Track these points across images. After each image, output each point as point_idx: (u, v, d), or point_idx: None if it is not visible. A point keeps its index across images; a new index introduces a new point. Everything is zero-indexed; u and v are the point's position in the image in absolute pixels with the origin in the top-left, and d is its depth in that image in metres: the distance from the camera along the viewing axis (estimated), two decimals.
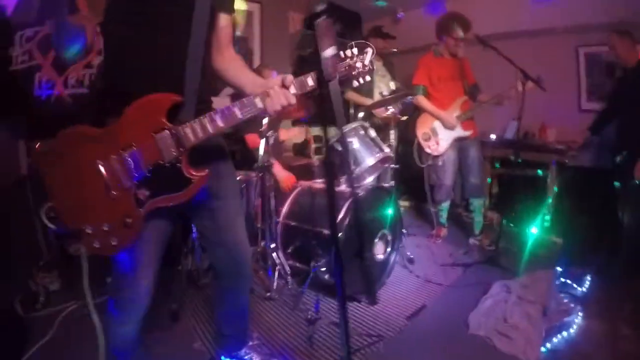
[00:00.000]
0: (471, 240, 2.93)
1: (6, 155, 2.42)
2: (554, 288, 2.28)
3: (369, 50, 1.14)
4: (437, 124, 2.81)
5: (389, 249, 2.23)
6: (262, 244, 2.21)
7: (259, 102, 1.07)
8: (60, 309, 1.97)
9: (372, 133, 2.35)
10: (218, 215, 1.24)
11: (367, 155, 2.22)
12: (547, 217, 3.12)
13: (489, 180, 3.45)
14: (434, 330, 1.90)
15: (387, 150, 2.32)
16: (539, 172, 3.20)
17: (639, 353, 1.85)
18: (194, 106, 1.07)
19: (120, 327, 1.17)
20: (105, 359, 1.09)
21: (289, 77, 1.08)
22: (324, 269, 1.96)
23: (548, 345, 1.85)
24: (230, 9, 1.23)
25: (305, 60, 3.91)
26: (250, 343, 1.57)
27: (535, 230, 3.00)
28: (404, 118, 3.19)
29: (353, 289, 2.01)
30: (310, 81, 1.08)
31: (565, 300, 2.20)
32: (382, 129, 3.05)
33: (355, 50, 1.12)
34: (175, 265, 2.16)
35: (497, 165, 3.52)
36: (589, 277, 2.44)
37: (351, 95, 3.28)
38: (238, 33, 3.68)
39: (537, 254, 2.65)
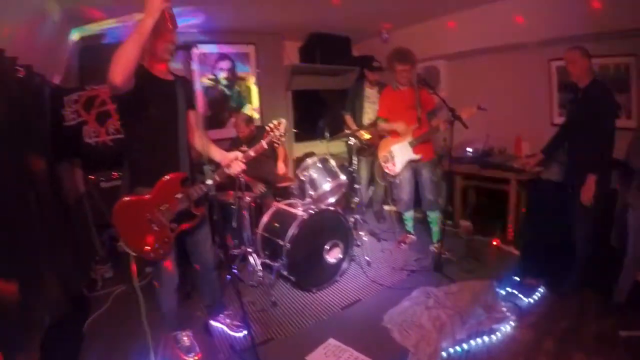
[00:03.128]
0: (431, 248, 3.91)
1: (69, 181, 3.90)
2: (484, 297, 2.93)
3: (282, 124, 2.34)
4: (394, 149, 3.76)
5: (340, 255, 3.38)
6: (243, 247, 3.49)
7: (226, 170, 2.29)
8: (112, 290, 3.37)
9: (331, 163, 3.51)
10: (200, 236, 2.47)
11: (324, 182, 3.40)
12: (509, 230, 3.88)
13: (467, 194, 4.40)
14: (357, 319, 2.86)
15: (342, 178, 3.47)
16: (502, 187, 3.95)
17: None
18: (188, 170, 2.26)
19: (166, 295, 2.39)
20: (146, 318, 2.29)
21: (240, 155, 2.31)
22: (283, 267, 3.19)
23: (465, 346, 2.46)
24: (194, 106, 2.42)
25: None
26: (226, 312, 2.82)
27: (496, 241, 3.89)
28: None
29: (307, 282, 3.21)
30: (264, 144, 2.34)
31: (504, 309, 2.81)
32: (366, 147, 4.37)
33: (275, 123, 2.34)
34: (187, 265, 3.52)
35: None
36: (541, 289, 3.04)
37: (347, 118, 4.57)
38: (239, 74, 4.99)
39: (493, 264, 3.40)
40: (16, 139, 2.40)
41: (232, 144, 4.07)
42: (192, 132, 2.41)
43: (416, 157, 3.70)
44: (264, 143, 2.35)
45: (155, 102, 2.11)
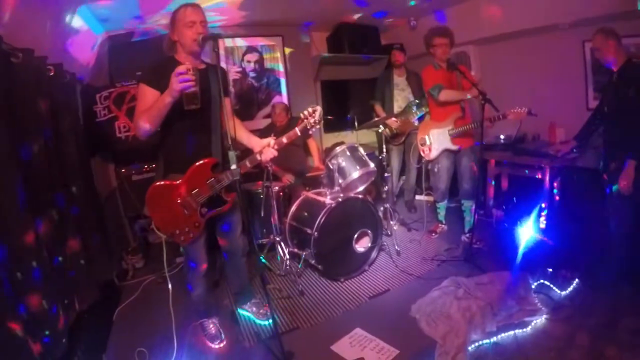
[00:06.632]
0: (462, 238, 3.85)
1: (103, 175, 4.04)
2: (516, 289, 2.84)
3: (317, 112, 2.25)
4: (432, 133, 3.67)
5: (369, 244, 3.36)
6: (272, 236, 3.56)
7: (258, 156, 2.28)
8: (143, 279, 3.49)
9: (360, 152, 3.49)
10: (230, 223, 2.51)
11: (352, 170, 3.38)
12: (542, 219, 3.75)
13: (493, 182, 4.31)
14: (384, 309, 2.86)
15: (371, 166, 3.46)
16: (536, 174, 3.82)
17: None
18: (220, 156, 2.29)
19: (195, 280, 2.48)
20: (172, 305, 2.37)
21: (272, 142, 2.29)
22: (311, 256, 3.18)
23: (494, 338, 2.40)
24: (228, 94, 2.45)
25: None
26: (253, 300, 2.87)
27: (529, 231, 3.70)
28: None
29: (335, 271, 3.22)
30: (298, 132, 2.27)
31: (536, 301, 2.72)
32: (396, 135, 4.37)
33: (310, 111, 2.25)
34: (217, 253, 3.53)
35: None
36: (575, 281, 2.92)
37: (376, 107, 4.55)
38: (267, 66, 5.03)
39: (525, 254, 3.28)
40: (49, 136, 2.50)
41: (261, 134, 4.07)
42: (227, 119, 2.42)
43: (454, 147, 3.63)
44: (297, 130, 2.27)
45: None
